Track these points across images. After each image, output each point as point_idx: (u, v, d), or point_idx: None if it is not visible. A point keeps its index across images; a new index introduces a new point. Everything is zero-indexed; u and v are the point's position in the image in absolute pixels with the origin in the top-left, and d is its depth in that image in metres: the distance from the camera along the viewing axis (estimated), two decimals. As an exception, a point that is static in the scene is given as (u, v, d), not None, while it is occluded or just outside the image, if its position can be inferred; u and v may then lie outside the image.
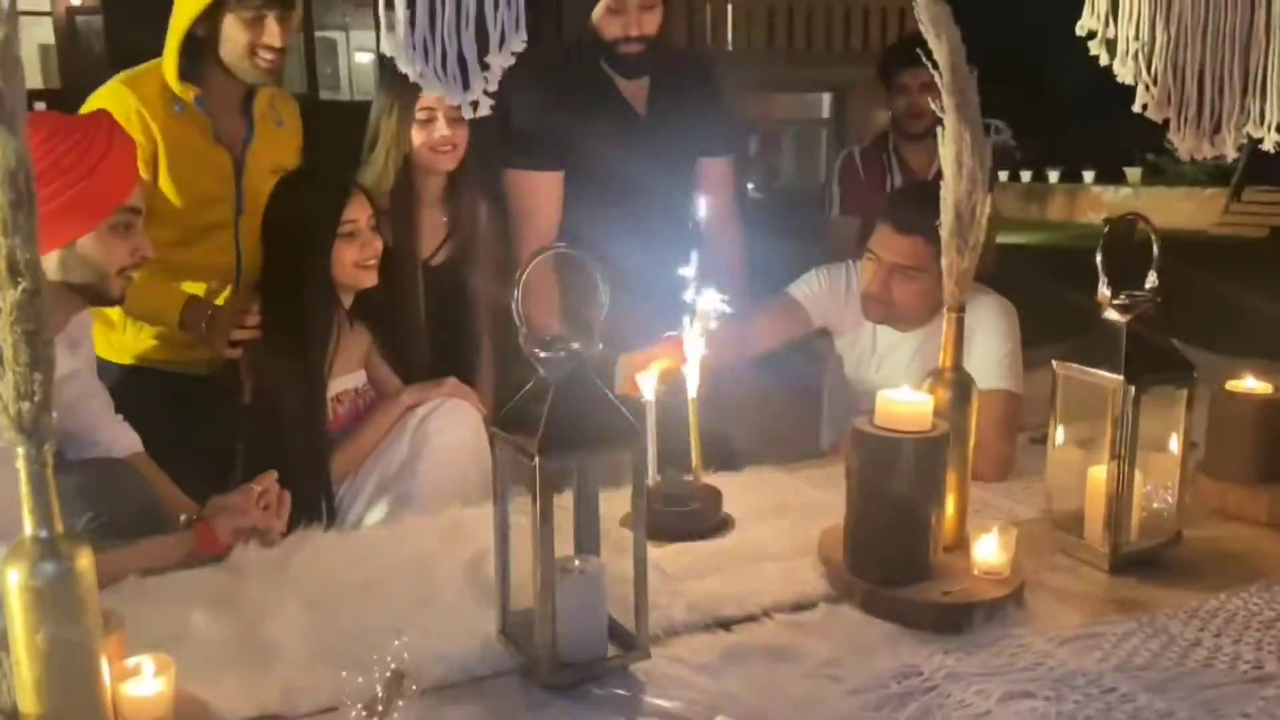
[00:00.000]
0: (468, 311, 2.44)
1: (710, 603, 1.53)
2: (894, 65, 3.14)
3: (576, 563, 1.35)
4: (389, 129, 2.28)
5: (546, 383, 1.27)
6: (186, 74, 2.15)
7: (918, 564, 1.51)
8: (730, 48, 15.76)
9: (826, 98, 16.66)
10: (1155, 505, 1.73)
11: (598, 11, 2.37)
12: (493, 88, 1.16)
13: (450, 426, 2.09)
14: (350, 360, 2.20)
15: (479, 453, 2.06)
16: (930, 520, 1.51)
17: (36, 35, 14.98)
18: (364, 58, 19.97)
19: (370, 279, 2.16)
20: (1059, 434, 1.76)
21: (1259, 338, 2.67)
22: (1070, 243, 15.12)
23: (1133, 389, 1.58)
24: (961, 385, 1.61)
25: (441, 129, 2.29)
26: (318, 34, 15.05)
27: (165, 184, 2.16)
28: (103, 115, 1.65)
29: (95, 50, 12.87)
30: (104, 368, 2.10)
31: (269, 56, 2.16)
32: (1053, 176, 20.08)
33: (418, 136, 2.29)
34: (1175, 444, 1.67)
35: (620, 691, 1.30)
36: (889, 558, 1.51)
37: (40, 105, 13.33)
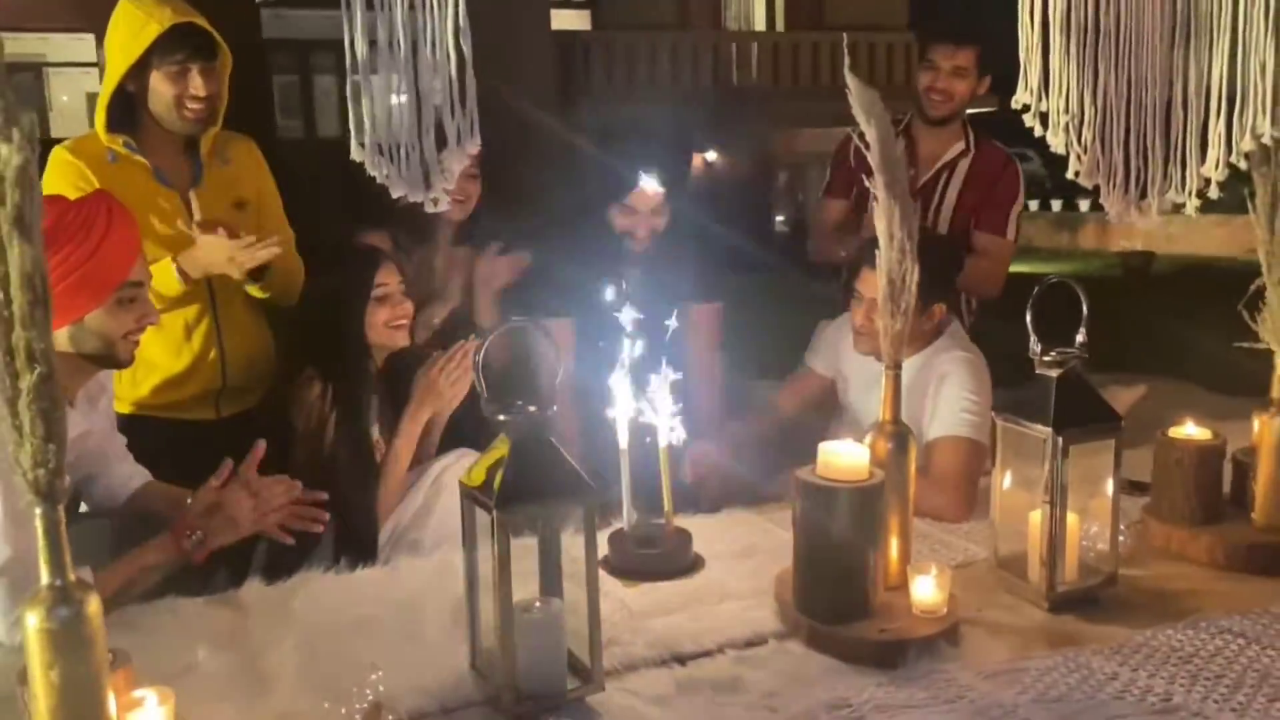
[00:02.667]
0: None
1: (669, 639, 1.66)
2: (929, 38, 2.99)
3: (538, 604, 1.49)
4: None
5: (506, 441, 1.42)
6: (119, 126, 2.30)
7: (858, 603, 1.63)
8: (755, 81, 16.03)
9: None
10: (1099, 546, 1.84)
11: (615, 211, 2.55)
12: (450, 186, 1.32)
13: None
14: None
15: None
16: (869, 562, 1.63)
17: (85, 85, 15.50)
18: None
19: (403, 339, 2.32)
20: (1005, 479, 1.88)
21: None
22: (1102, 271, 15.12)
23: (1060, 440, 1.70)
24: (900, 437, 1.74)
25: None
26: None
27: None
28: (101, 196, 1.82)
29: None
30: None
31: (195, 107, 2.29)
32: (1083, 205, 20.04)
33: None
34: (1110, 489, 1.78)
35: (579, 724, 1.44)
36: (831, 597, 1.64)
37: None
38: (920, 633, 1.61)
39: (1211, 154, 1.82)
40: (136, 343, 1.83)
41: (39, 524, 1.18)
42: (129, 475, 2.02)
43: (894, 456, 1.73)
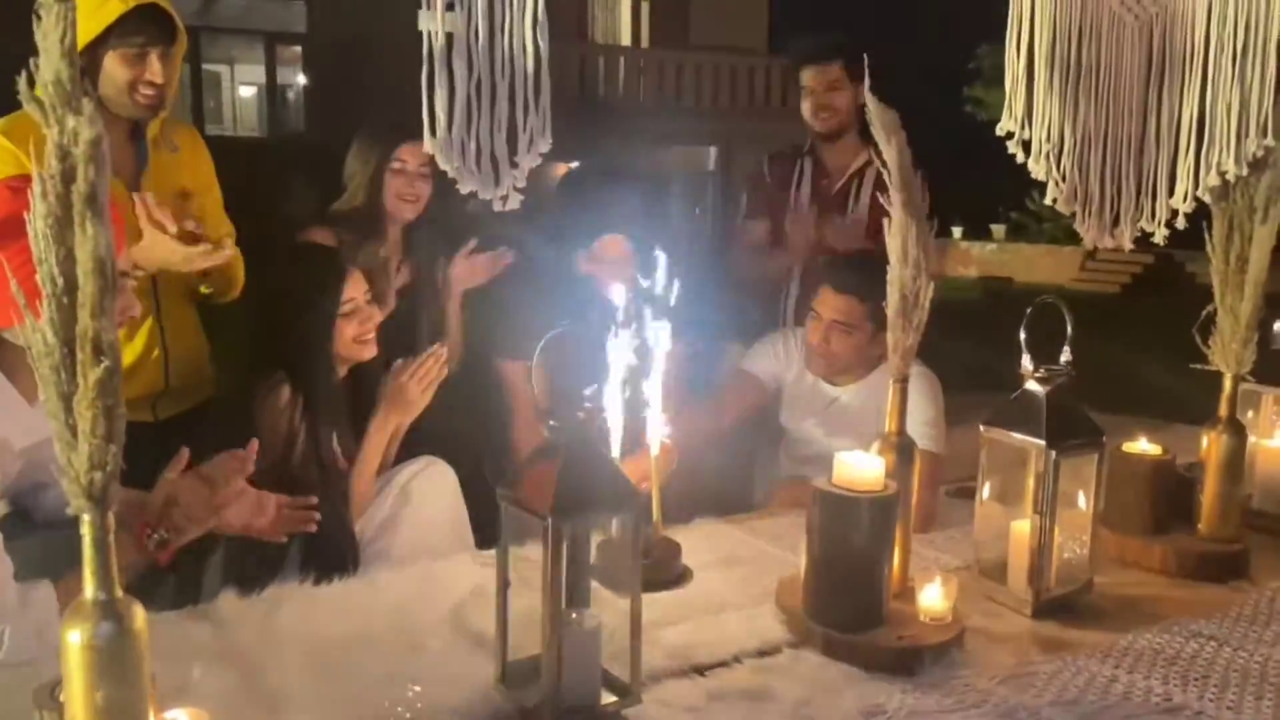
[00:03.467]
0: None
1: (685, 650, 1.65)
2: (798, 64, 3.14)
3: (574, 616, 1.46)
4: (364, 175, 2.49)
5: (556, 448, 1.38)
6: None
7: (874, 611, 1.66)
8: (621, 97, 16.14)
9: (713, 150, 17.16)
10: (1067, 555, 1.93)
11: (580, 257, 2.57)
12: (521, 184, 1.28)
13: (430, 490, 2.17)
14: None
15: (454, 513, 2.16)
16: (884, 571, 1.67)
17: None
18: (247, 91, 19.67)
19: (370, 351, 2.23)
20: (985, 490, 1.95)
21: (1120, 388, 2.89)
22: (964, 294, 16.01)
23: (1054, 453, 1.77)
24: (905, 448, 1.79)
25: (409, 180, 2.51)
26: (204, 67, 14.81)
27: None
28: None
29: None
30: None
31: (149, 93, 2.17)
32: (956, 232, 21.05)
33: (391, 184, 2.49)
34: (1084, 501, 1.87)
35: (619, 735, 1.41)
36: (849, 606, 1.66)
37: None
38: (933, 640, 1.65)
39: (1180, 187, 1.95)
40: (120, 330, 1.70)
41: (86, 532, 1.08)
42: None
43: (900, 467, 1.77)
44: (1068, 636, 1.78)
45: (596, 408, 1.41)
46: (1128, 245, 1.98)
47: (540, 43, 1.28)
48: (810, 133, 3.18)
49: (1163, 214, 1.97)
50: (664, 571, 1.94)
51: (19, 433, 1.65)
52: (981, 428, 1.92)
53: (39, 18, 1.02)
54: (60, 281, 1.03)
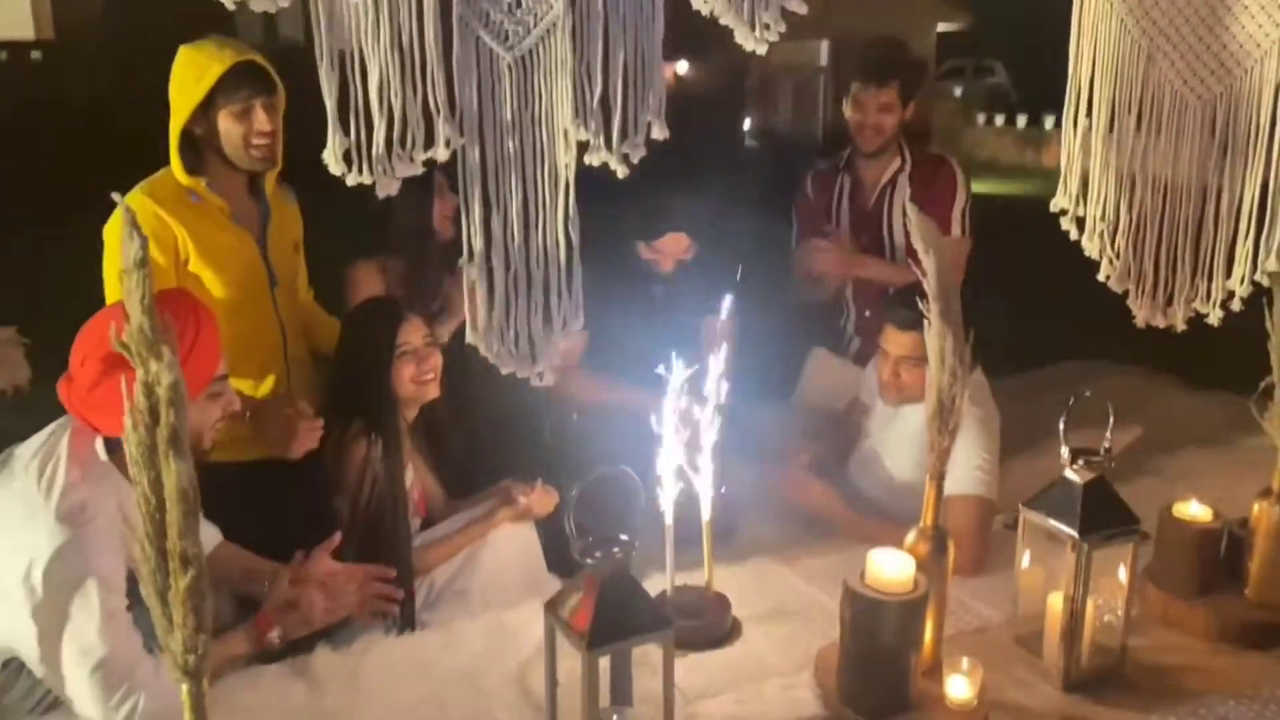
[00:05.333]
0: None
1: (724, 725, 1.81)
2: (855, 78, 3.16)
3: (615, 717, 1.62)
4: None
5: (594, 579, 1.53)
6: (193, 169, 2.33)
7: (899, 699, 1.78)
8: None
9: (825, 45, 16.65)
10: (1105, 618, 2.01)
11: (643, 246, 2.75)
12: (556, 363, 1.40)
13: (505, 539, 2.35)
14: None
15: (527, 561, 2.34)
16: (911, 663, 1.78)
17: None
18: None
19: (432, 391, 2.40)
20: (1024, 559, 2.03)
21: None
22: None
23: (1085, 545, 1.84)
24: (939, 539, 1.87)
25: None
26: None
27: (196, 268, 2.33)
28: (184, 297, 1.87)
29: (94, -2, 12.77)
30: None
31: (261, 143, 2.34)
32: (1049, 122, 20.05)
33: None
34: (1123, 575, 1.93)
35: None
36: (875, 694, 1.78)
37: (36, 54, 13.28)
38: (955, 728, 1.76)
39: (1237, 270, 1.93)
40: (218, 430, 1.90)
41: (186, 699, 1.28)
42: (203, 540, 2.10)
43: (934, 558, 1.86)
44: (1096, 715, 1.87)
45: (630, 546, 1.54)
46: (1180, 325, 1.99)
47: (571, 234, 1.38)
48: (851, 145, 3.25)
49: (1219, 295, 1.96)
50: (714, 631, 2.08)
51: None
52: (1021, 508, 1.98)
53: (124, 279, 1.17)
54: (152, 500, 1.21)
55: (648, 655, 1.91)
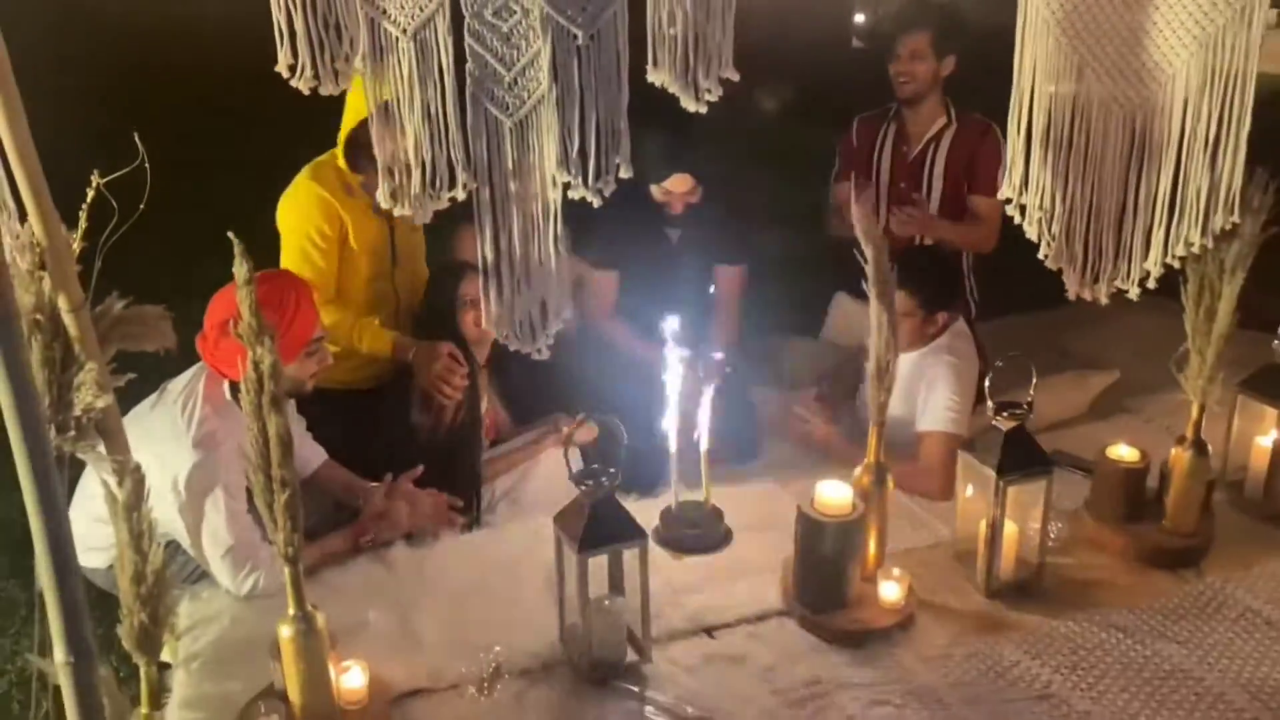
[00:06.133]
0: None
1: (700, 613, 2.32)
2: (892, 29, 3.40)
3: (606, 601, 2.14)
4: None
5: (586, 502, 2.03)
6: (353, 166, 2.82)
7: (838, 600, 2.25)
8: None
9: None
10: (1028, 543, 2.42)
11: (654, 187, 3.16)
12: (549, 342, 1.88)
13: (552, 460, 2.87)
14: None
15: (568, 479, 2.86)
16: (847, 573, 2.24)
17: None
18: None
19: (491, 334, 2.91)
20: (968, 490, 2.45)
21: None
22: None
23: (1001, 483, 2.25)
24: (880, 473, 2.30)
25: None
26: None
27: (354, 244, 2.86)
28: (287, 278, 2.40)
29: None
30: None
31: None
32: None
33: None
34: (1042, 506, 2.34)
35: (632, 686, 2.11)
36: (820, 594, 2.26)
37: None
38: (881, 623, 2.23)
39: (1153, 254, 2.26)
40: (317, 379, 2.47)
41: (288, 578, 1.84)
42: (307, 459, 2.69)
43: (875, 486, 2.30)
44: (1007, 619, 2.31)
45: (615, 478, 2.03)
46: (1104, 299, 2.32)
47: (560, 250, 1.83)
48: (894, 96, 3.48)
49: (1137, 274, 2.29)
50: (710, 539, 2.56)
51: None
52: (960, 455, 2.40)
53: (238, 291, 1.68)
54: (260, 441, 1.74)
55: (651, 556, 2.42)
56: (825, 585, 2.26)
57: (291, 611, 1.87)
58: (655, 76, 1.73)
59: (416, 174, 1.73)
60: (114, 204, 1.94)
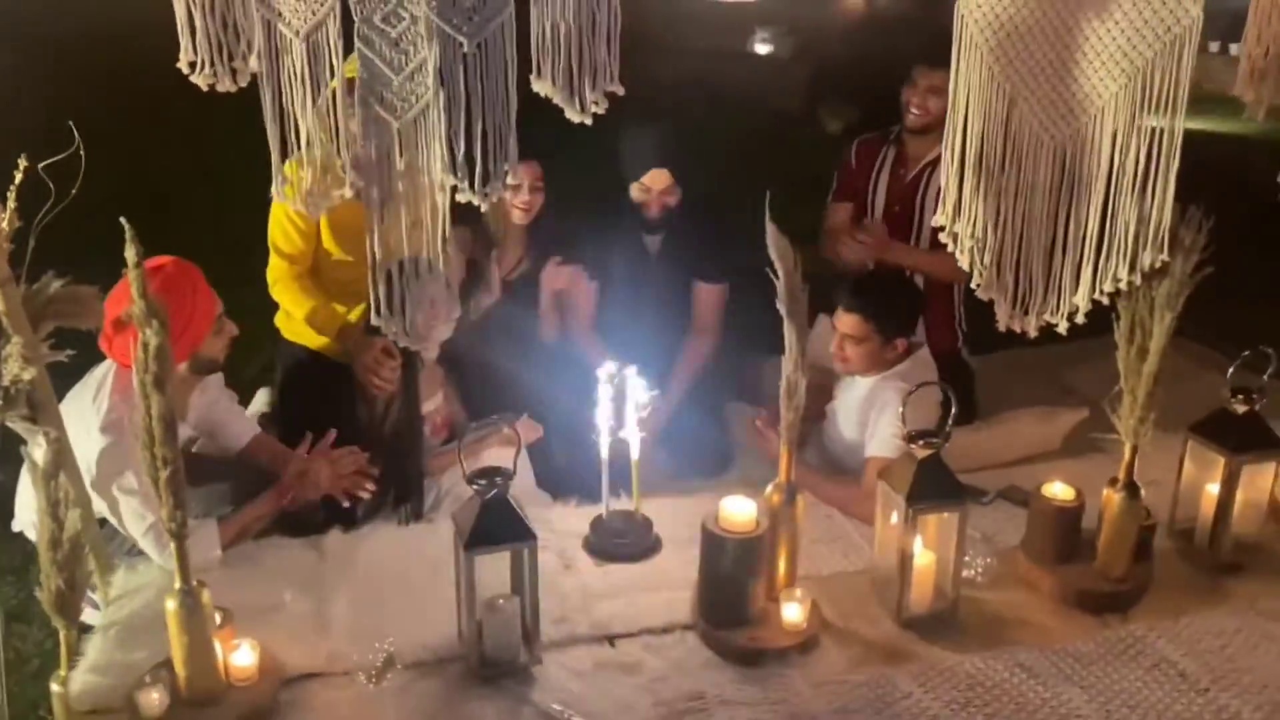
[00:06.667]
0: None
1: (607, 621, 2.33)
2: (913, 58, 3.37)
3: (502, 600, 2.17)
4: None
5: (478, 500, 2.07)
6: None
7: (738, 616, 2.25)
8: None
9: None
10: (968, 572, 2.39)
11: (633, 186, 3.22)
12: (434, 354, 1.93)
13: (498, 458, 2.90)
14: (431, 388, 3.05)
15: (517, 474, 2.90)
16: (749, 590, 2.24)
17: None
18: None
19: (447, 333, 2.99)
20: (892, 518, 2.42)
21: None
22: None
23: (911, 511, 2.22)
24: (790, 492, 2.30)
25: (523, 194, 3.16)
26: None
27: (324, 228, 2.99)
28: (178, 266, 2.49)
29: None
30: (291, 348, 3.21)
31: None
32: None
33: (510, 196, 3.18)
34: (954, 539, 2.30)
35: (521, 686, 2.13)
36: (718, 609, 2.26)
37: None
38: (778, 643, 2.22)
39: (1082, 289, 2.22)
40: (228, 350, 2.63)
41: (174, 551, 1.91)
42: (239, 433, 2.83)
43: (785, 505, 2.30)
44: (913, 650, 2.27)
45: (508, 477, 2.07)
46: (1032, 332, 2.29)
47: (448, 251, 1.89)
48: (901, 120, 3.48)
49: (1065, 309, 2.25)
50: (637, 548, 2.59)
51: None
52: (879, 479, 2.37)
53: (129, 273, 1.77)
54: (148, 419, 1.82)
55: (573, 561, 2.46)
56: (725, 601, 2.26)
57: (176, 585, 1.94)
58: (539, 86, 1.77)
59: (308, 170, 1.79)
60: (51, 185, 2.06)
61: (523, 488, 2.99)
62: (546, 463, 3.09)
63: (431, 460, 2.93)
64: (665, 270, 3.36)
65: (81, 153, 2.04)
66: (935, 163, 3.40)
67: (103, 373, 2.51)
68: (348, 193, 1.83)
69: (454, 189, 1.84)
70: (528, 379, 3.17)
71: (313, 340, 3.17)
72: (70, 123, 2.03)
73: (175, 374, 2.49)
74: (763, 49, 13.44)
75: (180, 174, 7.87)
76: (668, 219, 3.29)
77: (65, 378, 2.39)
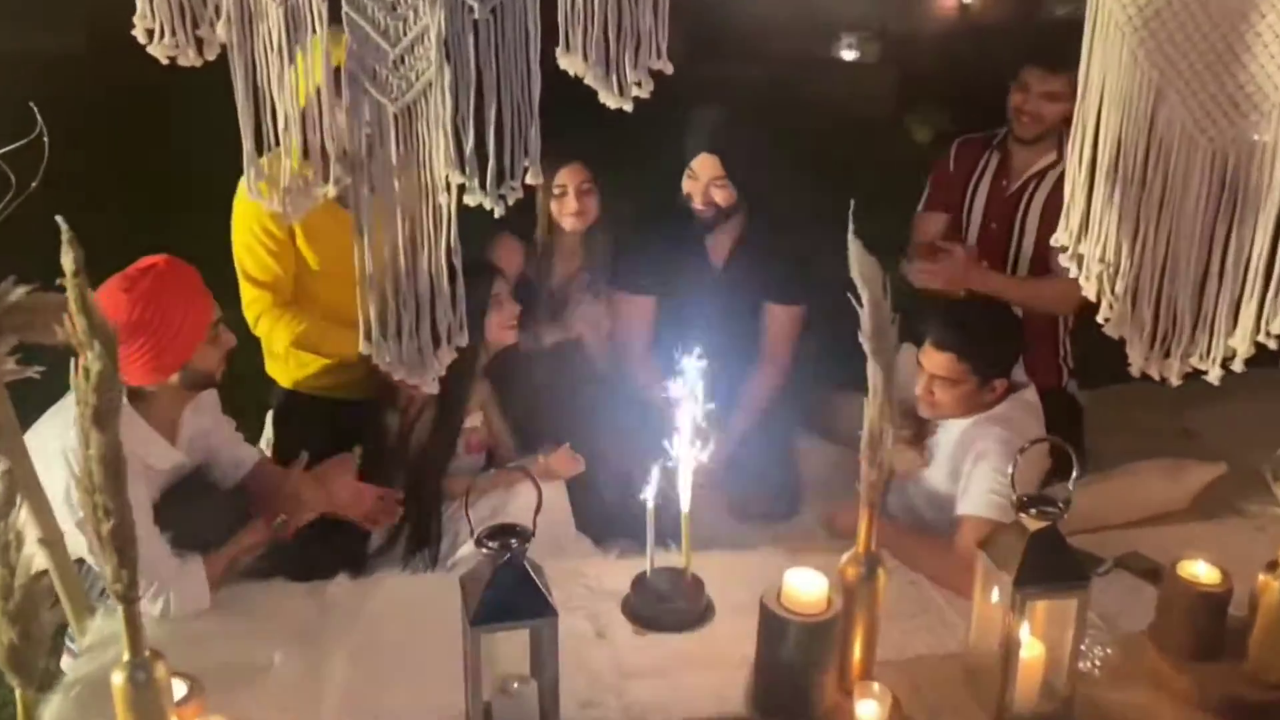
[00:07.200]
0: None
1: (643, 708, 1.97)
2: (1025, 57, 2.98)
3: (516, 685, 1.81)
4: (541, 201, 2.86)
5: (488, 568, 1.72)
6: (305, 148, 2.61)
7: (801, 712, 1.86)
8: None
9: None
10: (1082, 664, 1.96)
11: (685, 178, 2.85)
12: (441, 373, 1.58)
13: (531, 496, 2.57)
14: (474, 404, 2.73)
15: (551, 521, 2.55)
16: (814, 682, 1.85)
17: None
18: None
19: (512, 337, 2.67)
20: (993, 594, 2.01)
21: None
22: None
23: (1019, 596, 1.81)
24: (871, 564, 1.90)
25: (570, 200, 2.82)
26: None
27: (303, 246, 2.63)
28: (164, 266, 2.16)
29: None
30: (272, 388, 2.83)
31: None
32: None
33: (554, 205, 2.86)
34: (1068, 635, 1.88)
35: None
36: (778, 701, 1.87)
37: None
38: (850, 752, 1.83)
39: (1242, 328, 1.79)
40: (225, 364, 2.30)
41: (123, 617, 1.60)
42: (238, 461, 2.53)
43: (864, 581, 1.90)
44: (1018, 761, 1.86)
45: (526, 537, 1.71)
46: (1175, 379, 1.87)
47: (455, 262, 1.54)
48: (1008, 125, 3.05)
49: (1219, 353, 1.83)
50: (685, 617, 2.20)
51: (160, 459, 2.26)
52: (980, 553, 1.96)
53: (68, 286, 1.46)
54: (89, 463, 1.51)
55: (608, 628, 2.11)
56: (787, 694, 1.87)
57: (126, 657, 1.62)
58: (567, 63, 1.42)
59: (286, 162, 1.46)
60: (11, 177, 1.78)
61: (560, 531, 2.65)
62: (595, 500, 2.74)
63: (452, 481, 2.60)
64: (731, 288, 2.97)
65: (45, 138, 1.75)
66: (1041, 175, 3.00)
67: None
68: (331, 190, 1.49)
69: (461, 189, 1.49)
70: (577, 403, 2.83)
71: (313, 378, 2.86)
72: (32, 104, 1.74)
73: (167, 386, 2.24)
74: (849, 54, 12.89)
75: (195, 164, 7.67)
76: (716, 219, 2.91)
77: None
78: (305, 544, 2.37)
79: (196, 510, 2.39)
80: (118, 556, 1.54)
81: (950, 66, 9.80)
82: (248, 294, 2.65)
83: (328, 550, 2.42)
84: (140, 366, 2.14)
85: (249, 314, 2.64)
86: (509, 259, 2.97)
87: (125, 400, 2.19)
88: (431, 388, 1.62)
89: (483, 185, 1.47)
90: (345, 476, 2.41)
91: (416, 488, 2.52)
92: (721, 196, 2.84)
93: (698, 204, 2.86)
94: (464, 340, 1.58)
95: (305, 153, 1.47)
